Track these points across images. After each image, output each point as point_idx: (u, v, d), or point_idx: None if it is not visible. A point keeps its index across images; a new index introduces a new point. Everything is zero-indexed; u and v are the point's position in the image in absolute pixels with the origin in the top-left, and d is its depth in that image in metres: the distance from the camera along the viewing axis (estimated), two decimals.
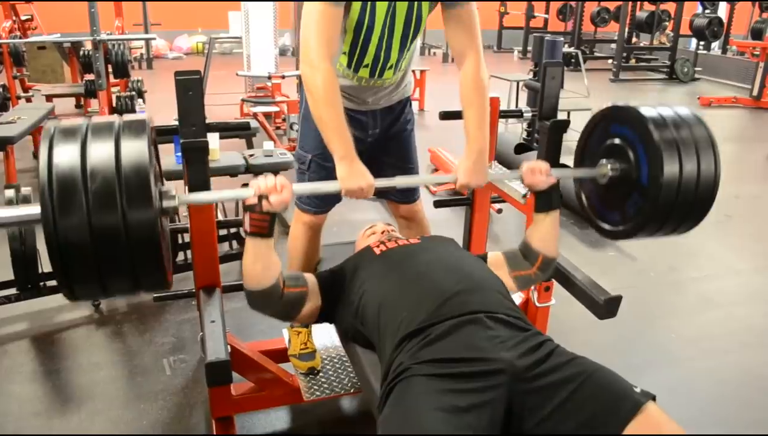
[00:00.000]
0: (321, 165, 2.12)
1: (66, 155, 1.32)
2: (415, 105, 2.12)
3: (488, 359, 1.42)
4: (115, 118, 1.44)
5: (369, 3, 1.79)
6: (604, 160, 1.88)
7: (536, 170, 1.84)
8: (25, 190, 2.94)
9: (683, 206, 1.75)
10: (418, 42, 2.06)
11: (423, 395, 1.38)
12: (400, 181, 2.02)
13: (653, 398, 1.36)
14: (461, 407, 1.33)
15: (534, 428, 1.37)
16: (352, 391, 2.17)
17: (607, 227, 1.95)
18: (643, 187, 1.78)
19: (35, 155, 5.37)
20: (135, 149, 1.36)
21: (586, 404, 1.35)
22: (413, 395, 1.39)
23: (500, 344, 1.47)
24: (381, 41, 1.88)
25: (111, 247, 1.34)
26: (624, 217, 1.88)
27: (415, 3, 1.84)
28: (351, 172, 1.75)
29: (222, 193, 1.73)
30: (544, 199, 1.89)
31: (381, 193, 2.37)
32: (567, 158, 2.12)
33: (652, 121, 1.74)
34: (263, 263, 1.68)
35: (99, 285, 1.40)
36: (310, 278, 1.89)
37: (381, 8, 1.80)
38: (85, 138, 1.36)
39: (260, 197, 1.59)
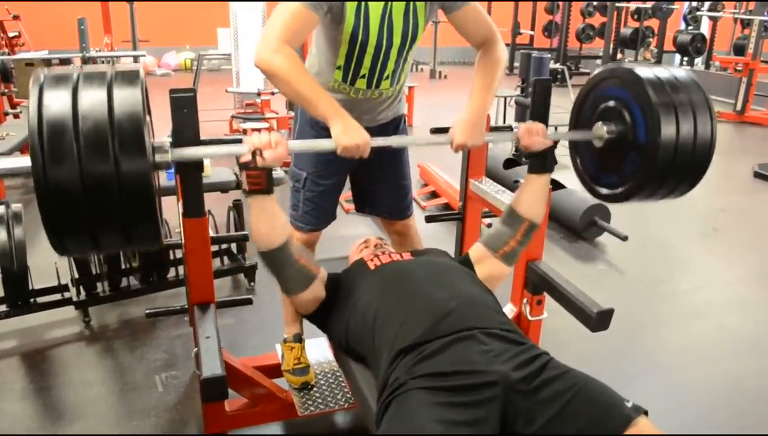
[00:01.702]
0: (317, 182, 2.14)
1: (57, 102, 1.29)
2: (405, 120, 2.15)
3: (482, 372, 1.44)
4: (107, 68, 1.41)
5: (363, 15, 1.80)
6: (600, 123, 1.90)
7: (533, 131, 1.87)
8: (16, 206, 2.93)
9: (680, 167, 1.77)
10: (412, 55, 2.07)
11: (421, 409, 1.38)
12: (396, 140, 2.04)
13: (645, 413, 1.37)
14: (458, 421, 1.35)
15: None
16: (346, 406, 2.17)
17: (604, 190, 1.97)
18: (640, 149, 1.79)
19: None
20: (128, 97, 1.34)
21: (578, 418, 1.37)
22: (411, 408, 1.40)
23: (494, 357, 1.48)
24: (378, 51, 1.88)
25: (103, 197, 1.31)
26: (621, 179, 1.89)
27: (411, 13, 1.85)
28: (345, 129, 1.71)
29: (215, 148, 1.71)
30: (539, 161, 1.92)
31: (374, 211, 2.39)
32: (556, 173, 2.14)
33: (649, 81, 1.75)
34: (268, 219, 1.68)
35: (90, 238, 1.37)
36: (323, 269, 1.90)
37: (375, 19, 1.81)
38: (77, 85, 1.33)
39: (254, 153, 1.59)
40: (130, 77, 1.39)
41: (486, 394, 1.40)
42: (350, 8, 1.78)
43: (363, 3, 1.78)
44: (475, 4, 1.89)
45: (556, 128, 4.78)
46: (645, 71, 1.80)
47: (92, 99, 1.31)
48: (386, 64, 1.94)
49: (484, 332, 1.56)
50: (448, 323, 1.58)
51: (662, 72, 1.82)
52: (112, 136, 1.29)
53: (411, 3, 1.84)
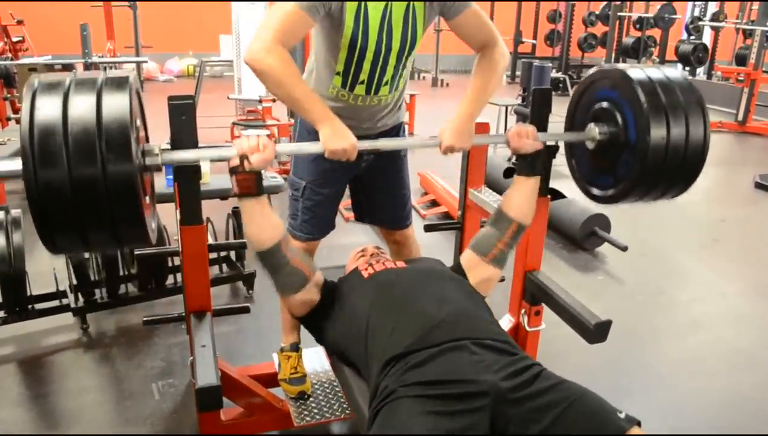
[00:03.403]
0: (316, 191, 2.13)
1: (48, 108, 1.34)
2: (405, 129, 2.15)
3: (472, 381, 1.44)
4: (99, 74, 1.46)
5: (362, 19, 1.79)
6: (592, 124, 1.90)
7: (523, 133, 1.88)
8: (15, 212, 2.93)
9: (672, 168, 1.77)
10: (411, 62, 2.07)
11: (409, 418, 1.39)
12: (384, 144, 1.99)
13: (638, 424, 1.37)
14: (447, 429, 1.35)
15: None
16: (342, 416, 2.17)
17: (597, 191, 1.98)
18: (632, 150, 1.80)
19: None
20: (116, 102, 1.38)
21: (571, 428, 1.37)
22: (399, 417, 1.40)
23: (485, 367, 1.48)
24: (377, 56, 1.88)
25: (90, 198, 1.36)
26: (614, 180, 1.90)
27: (410, 17, 1.85)
28: (334, 133, 1.74)
29: (205, 151, 1.73)
30: (529, 163, 1.93)
31: (373, 221, 2.39)
32: (556, 182, 2.14)
33: (639, 82, 1.76)
34: (259, 221, 1.71)
35: (79, 237, 1.42)
36: (319, 273, 1.90)
37: (374, 23, 1.81)
38: (68, 92, 1.38)
39: (242, 157, 1.62)
40: (119, 83, 1.43)
41: (475, 403, 1.40)
42: (349, 12, 1.78)
43: (362, 5, 1.78)
44: (475, 7, 1.88)
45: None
46: (636, 72, 1.81)
47: (82, 104, 1.36)
48: (385, 69, 1.94)
49: (476, 342, 1.56)
50: (440, 332, 1.58)
51: (654, 73, 1.82)
52: (99, 138, 1.34)
53: (410, 5, 1.83)
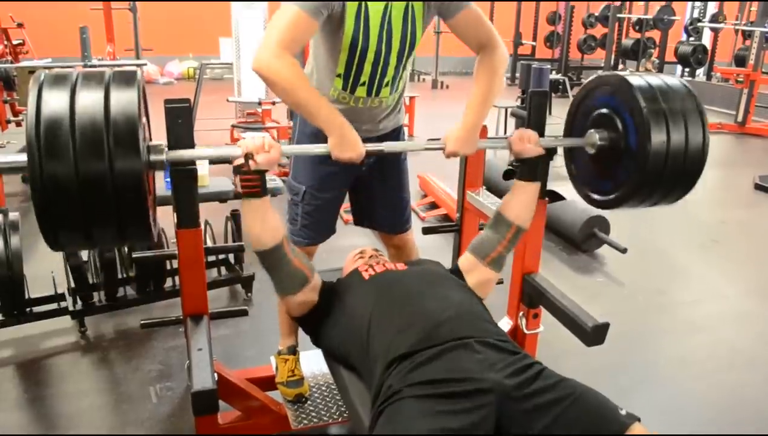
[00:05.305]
0: (315, 196, 2.13)
1: (55, 101, 1.33)
2: (404, 131, 2.16)
3: (476, 379, 1.44)
4: (105, 69, 1.45)
5: (363, 20, 1.79)
6: (592, 130, 1.91)
7: (524, 138, 1.90)
8: (13, 215, 2.93)
9: (672, 174, 1.78)
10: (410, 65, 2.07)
11: (413, 418, 1.39)
12: (389, 145, 1.97)
13: (638, 420, 1.38)
14: (452, 428, 1.35)
15: None
16: (340, 419, 2.16)
17: (597, 196, 1.99)
18: (632, 155, 1.80)
19: (24, 179, 5.35)
20: (124, 98, 1.37)
21: (573, 425, 1.38)
22: (404, 417, 1.40)
23: (488, 366, 1.49)
24: (378, 57, 1.88)
25: (97, 194, 1.34)
26: (614, 185, 1.91)
27: (409, 17, 1.85)
28: (342, 141, 1.75)
29: (209, 150, 1.74)
30: (530, 168, 1.94)
31: (373, 225, 2.38)
32: (555, 184, 2.14)
33: (639, 89, 1.77)
34: (261, 221, 1.71)
35: (83, 233, 1.41)
36: (317, 275, 1.90)
37: (375, 24, 1.81)
38: (75, 85, 1.36)
39: (247, 157, 1.61)
40: (127, 78, 1.43)
41: (480, 401, 1.40)
42: (350, 13, 1.78)
43: (363, 5, 1.78)
44: (473, 7, 1.88)
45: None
46: (636, 79, 1.82)
47: (89, 100, 1.35)
48: (386, 70, 1.94)
49: (479, 341, 1.57)
50: (443, 331, 1.59)
51: (653, 79, 1.83)
52: (107, 133, 1.33)
53: (409, 5, 1.83)
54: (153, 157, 1.57)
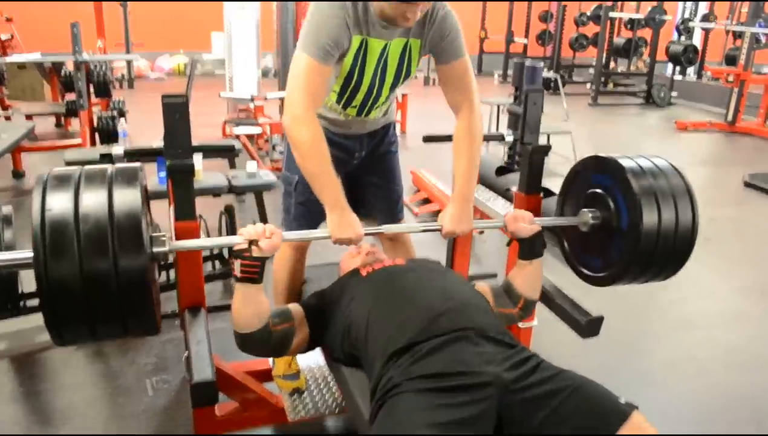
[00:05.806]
0: (308, 186, 2.14)
1: (59, 201, 1.34)
2: (396, 127, 2.18)
3: (476, 373, 1.46)
4: (107, 166, 1.47)
5: (361, 58, 1.84)
6: (585, 209, 1.94)
7: (519, 218, 1.91)
8: (6, 209, 2.91)
9: (663, 253, 1.83)
10: None
11: (413, 411, 1.39)
12: (388, 228, 2.02)
13: (636, 408, 1.41)
14: (452, 421, 1.36)
15: None
16: (336, 411, 2.17)
17: (589, 273, 2.03)
18: (624, 234, 1.85)
19: (15, 174, 5.33)
20: (127, 196, 1.39)
21: (574, 415, 1.39)
22: (404, 411, 1.41)
23: (488, 359, 1.50)
24: (371, 90, 1.94)
25: (101, 292, 1.35)
26: (606, 263, 1.95)
27: (406, 54, 1.89)
28: (341, 223, 1.78)
29: (212, 240, 1.75)
30: (528, 247, 1.94)
31: (366, 213, 2.40)
32: (547, 181, 2.16)
33: (630, 170, 1.82)
34: (253, 307, 1.68)
35: (88, 329, 1.42)
36: (295, 309, 1.87)
37: (371, 63, 1.86)
38: (78, 184, 1.38)
39: (250, 243, 1.61)
40: (129, 176, 1.45)
41: (479, 395, 1.42)
42: (353, 46, 1.81)
43: (365, 42, 1.81)
44: (467, 59, 1.92)
45: (548, 137, 4.76)
46: (627, 162, 1.87)
47: (93, 199, 1.37)
48: (378, 99, 2.00)
49: (478, 333, 1.58)
50: (442, 323, 1.60)
51: (643, 161, 1.89)
52: (111, 234, 1.35)
53: (408, 42, 1.87)
54: (156, 249, 1.56)
